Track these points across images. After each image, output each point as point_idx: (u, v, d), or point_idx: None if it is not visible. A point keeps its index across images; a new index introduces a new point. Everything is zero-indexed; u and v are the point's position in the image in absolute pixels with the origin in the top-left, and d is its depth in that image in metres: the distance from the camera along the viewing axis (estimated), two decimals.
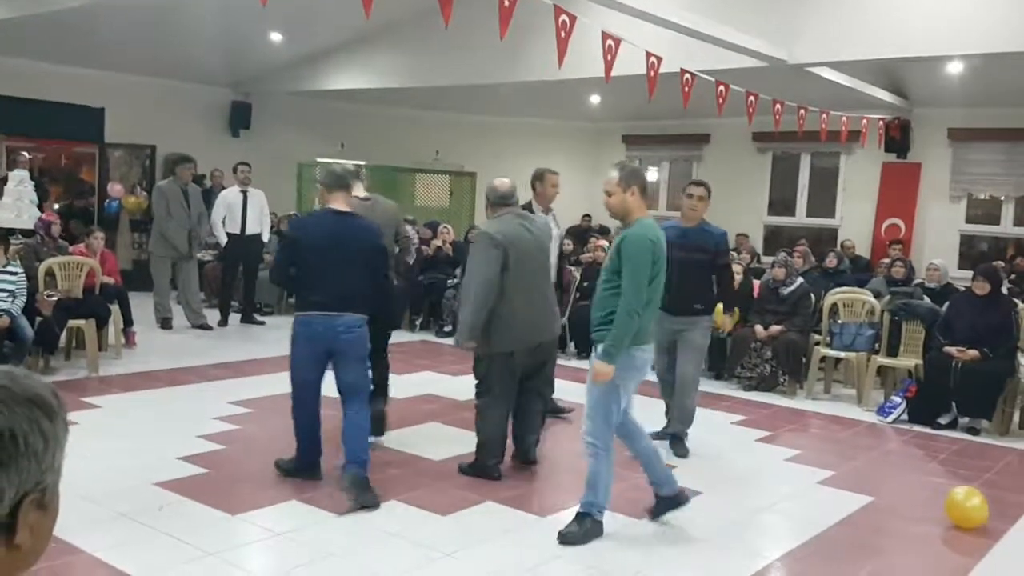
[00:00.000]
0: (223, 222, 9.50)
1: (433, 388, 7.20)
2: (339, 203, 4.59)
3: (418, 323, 10.18)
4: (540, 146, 14.41)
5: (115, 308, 7.59)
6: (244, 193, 9.56)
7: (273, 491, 4.54)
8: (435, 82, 10.89)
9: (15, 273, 6.43)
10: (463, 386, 7.25)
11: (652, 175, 14.70)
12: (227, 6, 9.89)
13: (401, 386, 7.18)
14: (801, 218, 12.94)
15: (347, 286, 4.41)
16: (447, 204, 14.26)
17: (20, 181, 9.09)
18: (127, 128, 11.82)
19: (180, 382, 6.89)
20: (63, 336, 7.16)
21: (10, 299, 6.32)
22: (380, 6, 4.94)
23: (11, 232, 8.67)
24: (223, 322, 9.54)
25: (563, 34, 5.75)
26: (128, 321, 7.95)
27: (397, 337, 9.49)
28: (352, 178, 4.91)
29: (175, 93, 12.21)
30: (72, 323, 6.99)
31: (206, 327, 9.25)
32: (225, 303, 9.68)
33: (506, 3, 5.29)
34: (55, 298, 6.81)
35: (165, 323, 9.19)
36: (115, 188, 11.74)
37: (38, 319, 6.58)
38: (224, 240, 9.59)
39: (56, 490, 1.03)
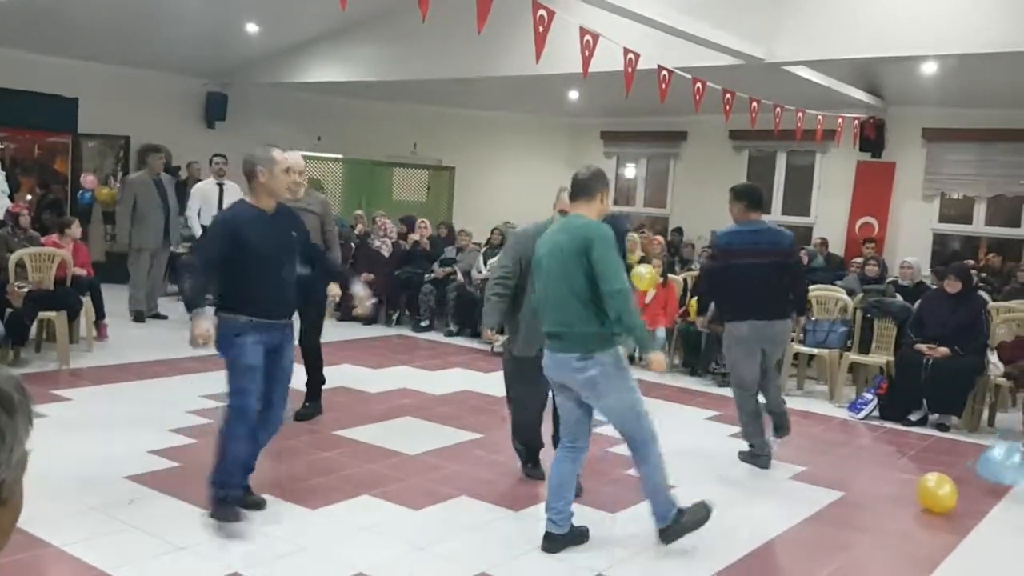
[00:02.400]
0: (198, 214, 9.43)
1: (409, 383, 7.18)
2: None
3: (395, 318, 10.15)
4: (518, 141, 14.42)
5: (87, 300, 7.52)
6: (220, 185, 9.48)
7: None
8: (413, 75, 10.84)
9: None
10: (439, 381, 7.26)
11: (630, 172, 14.76)
12: None
13: (377, 381, 7.17)
14: (776, 216, 12.98)
15: None
16: (424, 198, 14.22)
17: None
18: (101, 118, 11.67)
19: (152, 375, 6.83)
20: (33, 328, 7.08)
21: None
22: None
23: None
24: None
25: (541, 29, 5.75)
26: (100, 313, 7.87)
27: (374, 332, 9.54)
28: None
29: (150, 83, 12.07)
30: (43, 315, 6.91)
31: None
32: None
33: None
34: (26, 289, 6.73)
35: (138, 316, 9.11)
36: (88, 179, 11.61)
37: (8, 311, 6.50)
38: (199, 232, 9.50)
39: (16, 486, 1.01)
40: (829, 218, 12.32)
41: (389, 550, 3.81)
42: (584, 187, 3.92)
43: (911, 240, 11.50)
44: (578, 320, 3.72)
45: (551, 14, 5.78)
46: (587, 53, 6.30)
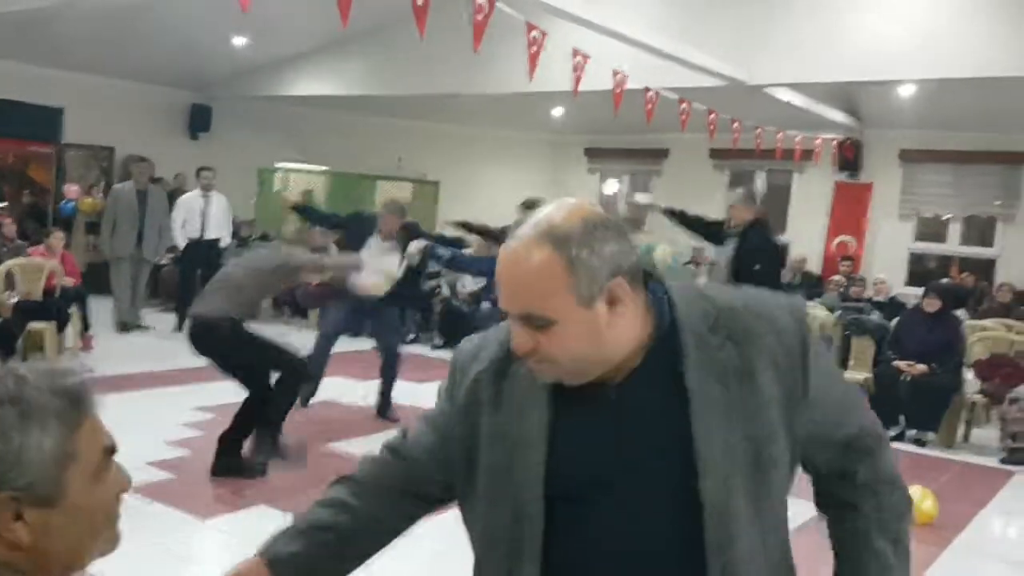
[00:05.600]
0: (182, 226, 9.51)
1: (397, 396, 7.19)
2: None
3: None
4: (502, 156, 14.54)
5: (74, 311, 7.51)
6: (205, 198, 9.54)
7: (243, 496, 4.56)
8: (399, 91, 10.94)
9: None
10: (427, 395, 7.29)
11: (612, 187, 14.92)
12: (191, 10, 9.84)
13: (363, 393, 7.20)
14: None
15: None
16: (409, 212, 14.27)
17: None
18: (85, 129, 11.66)
19: (142, 386, 6.84)
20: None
21: None
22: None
23: None
24: (179, 326, 9.47)
25: (534, 49, 5.88)
26: (86, 324, 7.86)
27: (359, 345, 9.54)
28: None
29: (135, 95, 12.07)
30: (32, 326, 6.89)
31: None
32: (182, 307, 9.61)
33: (479, 17, 5.40)
34: (14, 300, 6.72)
35: (122, 327, 9.12)
36: (71, 189, 11.58)
37: None
38: (182, 244, 9.57)
39: (65, 485, 1.02)
40: (806, 237, 12.52)
41: (390, 560, 3.86)
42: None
43: (888, 259, 11.72)
44: None
45: (544, 35, 5.91)
46: (577, 73, 6.43)
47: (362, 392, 7.23)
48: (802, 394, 1.29)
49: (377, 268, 6.47)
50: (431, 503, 1.51)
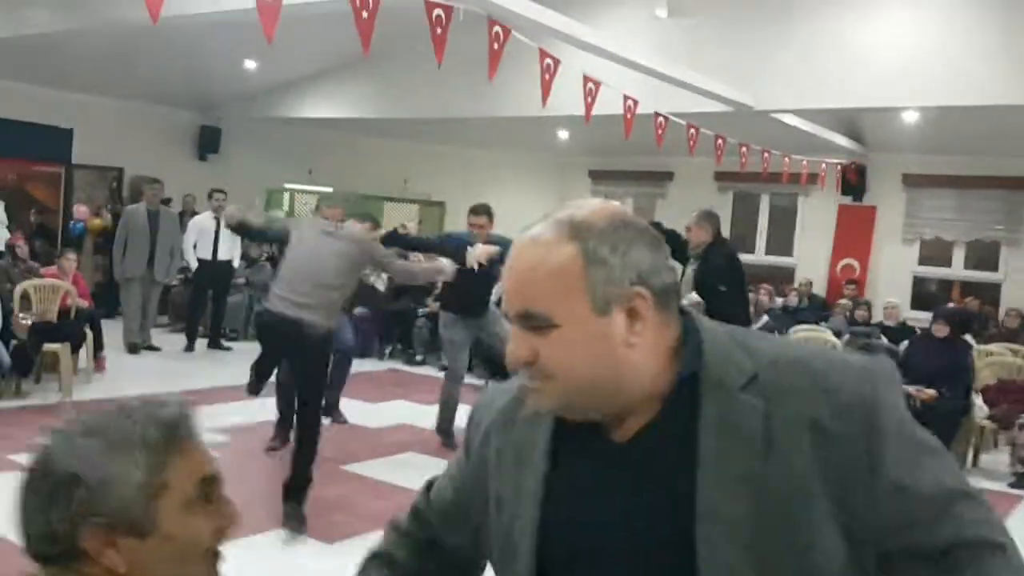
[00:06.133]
0: (194, 247, 9.61)
1: (408, 418, 7.26)
2: None
3: (388, 352, 10.23)
4: (508, 178, 14.63)
5: (87, 332, 7.55)
6: (217, 219, 9.62)
7: (260, 519, 4.58)
8: (408, 114, 11.04)
9: None
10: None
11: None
12: (201, 33, 9.94)
13: (374, 415, 7.25)
14: (760, 256, 13.27)
15: None
16: (416, 233, 14.36)
17: None
18: (95, 150, 11.75)
19: None
20: None
21: None
22: (355, 38, 4.99)
23: None
24: (190, 347, 9.53)
25: (547, 76, 5.96)
26: (99, 345, 7.90)
27: (367, 366, 9.62)
28: None
29: (144, 116, 12.17)
30: (47, 347, 6.93)
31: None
32: (192, 328, 9.67)
33: (495, 46, 5.47)
34: (29, 321, 6.76)
35: (132, 348, 9.16)
36: (80, 210, 11.64)
37: (13, 343, 6.53)
38: (195, 265, 9.65)
39: (159, 515, 1.03)
40: (811, 259, 12.59)
41: None
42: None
43: (892, 282, 11.78)
44: None
45: (556, 62, 5.99)
46: (589, 100, 6.51)
47: (373, 414, 7.27)
48: (867, 477, 0.98)
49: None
50: None
